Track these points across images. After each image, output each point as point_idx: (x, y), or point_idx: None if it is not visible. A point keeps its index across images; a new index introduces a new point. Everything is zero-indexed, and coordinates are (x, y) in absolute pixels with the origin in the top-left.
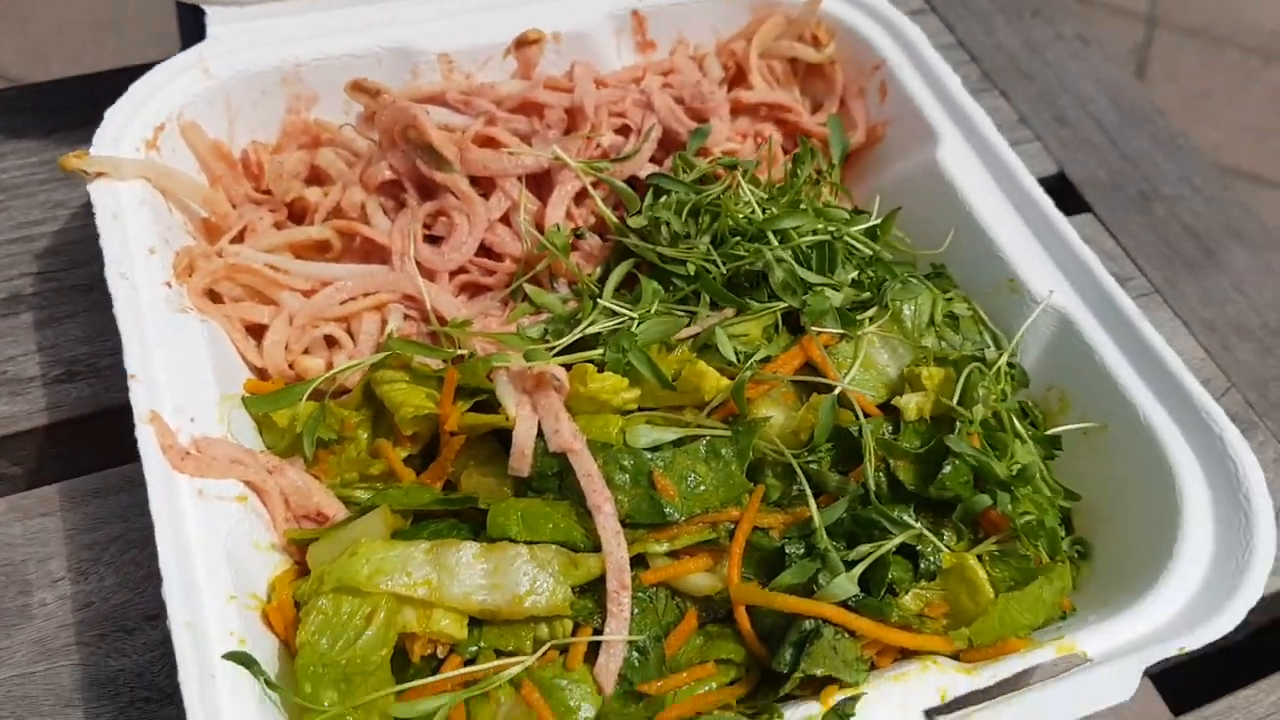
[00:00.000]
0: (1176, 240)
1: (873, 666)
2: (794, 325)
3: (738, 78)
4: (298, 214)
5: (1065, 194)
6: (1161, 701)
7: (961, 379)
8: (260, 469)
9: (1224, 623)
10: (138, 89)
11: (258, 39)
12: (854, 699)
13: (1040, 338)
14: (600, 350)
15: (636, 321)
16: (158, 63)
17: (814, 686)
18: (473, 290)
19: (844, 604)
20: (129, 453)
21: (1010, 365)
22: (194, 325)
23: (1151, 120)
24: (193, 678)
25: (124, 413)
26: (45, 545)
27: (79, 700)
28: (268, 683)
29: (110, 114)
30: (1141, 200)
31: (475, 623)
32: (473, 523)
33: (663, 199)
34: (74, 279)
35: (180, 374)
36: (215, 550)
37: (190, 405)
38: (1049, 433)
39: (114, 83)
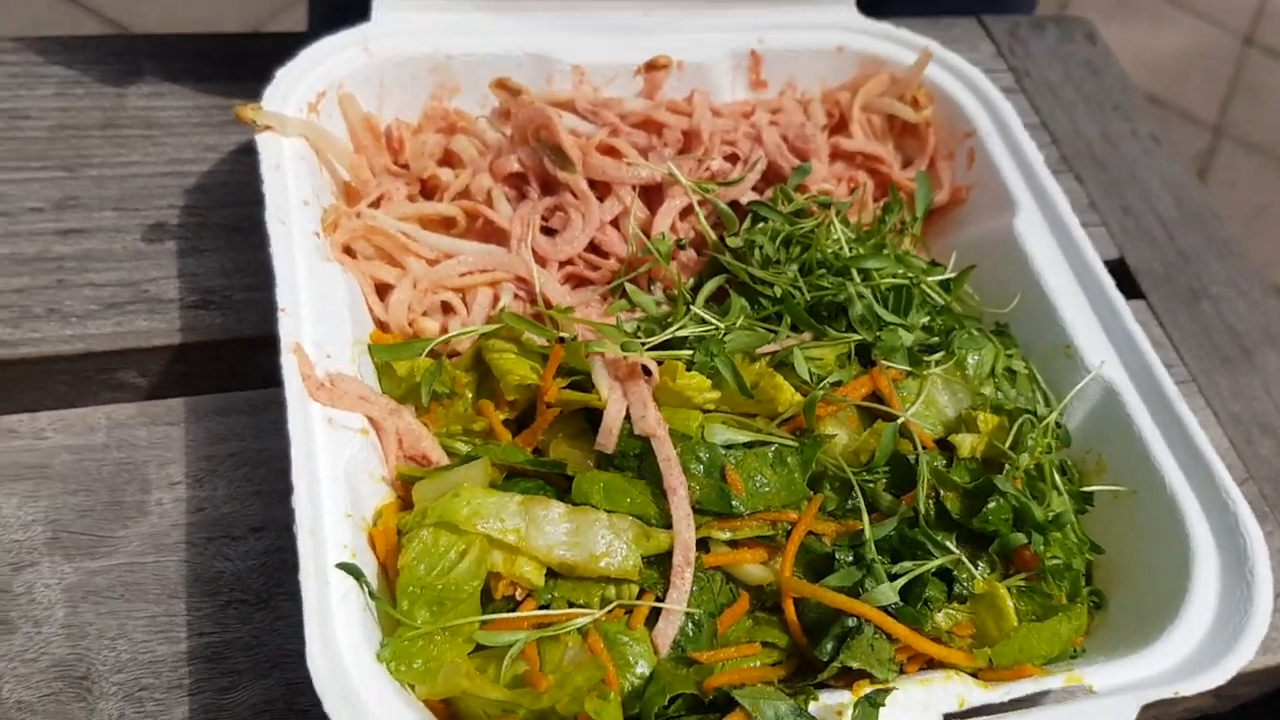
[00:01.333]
0: (1217, 336)
1: (901, 670)
2: (865, 358)
3: (839, 126)
4: (429, 191)
5: (1123, 278)
6: None
7: (1014, 428)
8: (383, 408)
9: (1217, 676)
10: (306, 55)
11: (416, 28)
12: (884, 691)
13: (1086, 402)
14: (690, 352)
15: (724, 331)
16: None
17: (848, 679)
18: (577, 282)
19: (884, 609)
20: (249, 381)
21: (1057, 425)
22: (336, 273)
23: (1208, 223)
24: (310, 577)
25: (250, 344)
26: (168, 451)
27: (182, 593)
28: (371, 594)
29: (281, 74)
30: (1190, 295)
31: (552, 575)
32: (557, 488)
33: (760, 225)
34: (218, 217)
35: (322, 314)
36: (337, 472)
37: (328, 343)
38: (1083, 489)
39: (262, 43)
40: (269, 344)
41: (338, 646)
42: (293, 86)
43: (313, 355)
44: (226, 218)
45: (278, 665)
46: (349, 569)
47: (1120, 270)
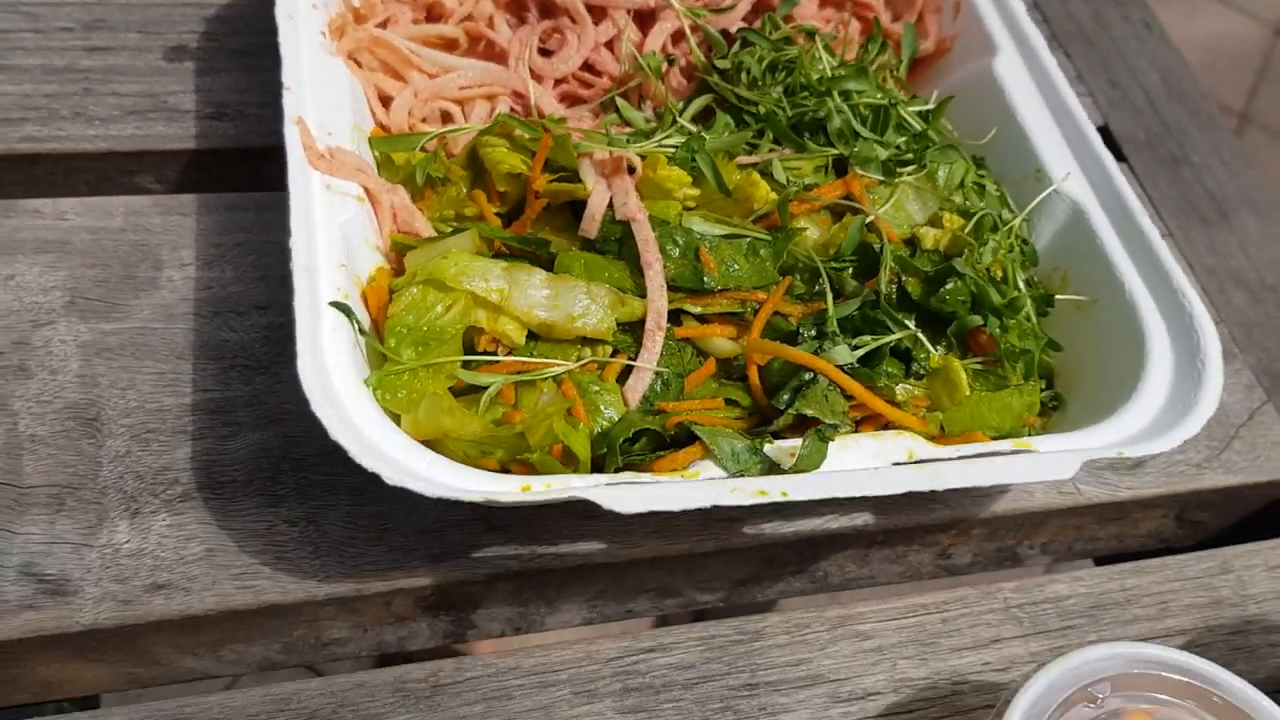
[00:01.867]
0: (1196, 200)
1: (856, 429)
2: (841, 173)
3: None
4: (433, 18)
5: (1106, 144)
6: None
7: (974, 220)
8: (379, 183)
9: (1160, 444)
10: None
11: None
12: (833, 427)
13: (1054, 222)
14: (673, 149)
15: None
16: None
17: (802, 429)
18: (571, 100)
19: (840, 369)
20: (259, 187)
21: (1024, 242)
22: (339, 67)
23: (1194, 100)
24: (304, 310)
25: (261, 154)
26: (180, 237)
27: (188, 355)
28: (360, 330)
29: None
30: (1171, 162)
31: (531, 338)
32: (541, 267)
33: (748, 49)
34: (234, 44)
35: (324, 98)
36: (334, 229)
37: (328, 123)
38: (1044, 293)
39: None
40: (276, 154)
41: (326, 366)
42: None
43: (314, 131)
44: (241, 44)
45: (275, 420)
46: (340, 306)
47: (1105, 137)
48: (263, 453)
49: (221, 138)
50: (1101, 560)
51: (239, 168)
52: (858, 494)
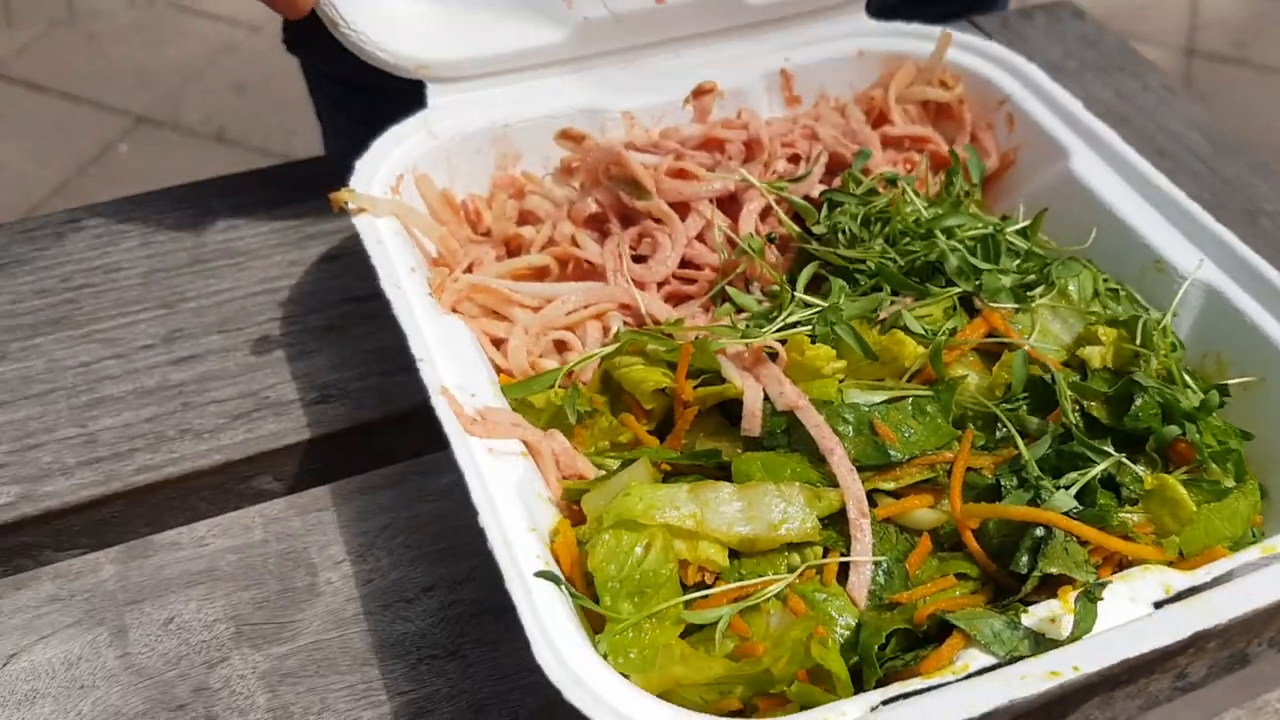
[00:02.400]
0: None
1: (1096, 572)
2: (969, 310)
3: (879, 120)
4: (513, 251)
5: None
6: None
7: (1138, 326)
8: (536, 433)
9: None
10: (378, 146)
11: (471, 105)
12: (1101, 585)
13: (1191, 310)
14: (809, 327)
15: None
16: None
17: (1048, 591)
18: (677, 300)
19: (1065, 515)
20: (381, 461)
21: (1173, 346)
22: (458, 324)
23: (1241, 151)
24: (516, 584)
25: (375, 427)
26: (324, 534)
27: (373, 659)
28: (574, 596)
29: (359, 164)
30: (1247, 216)
31: (734, 556)
32: (716, 480)
33: (837, 210)
34: (316, 321)
35: (455, 360)
36: (509, 492)
37: (469, 384)
38: (1216, 385)
39: (320, 164)
40: (392, 423)
41: (557, 645)
42: (372, 174)
43: (458, 396)
44: (323, 320)
45: (481, 709)
46: (547, 575)
47: None
48: None
49: (333, 420)
50: None
51: (355, 448)
52: (1148, 649)
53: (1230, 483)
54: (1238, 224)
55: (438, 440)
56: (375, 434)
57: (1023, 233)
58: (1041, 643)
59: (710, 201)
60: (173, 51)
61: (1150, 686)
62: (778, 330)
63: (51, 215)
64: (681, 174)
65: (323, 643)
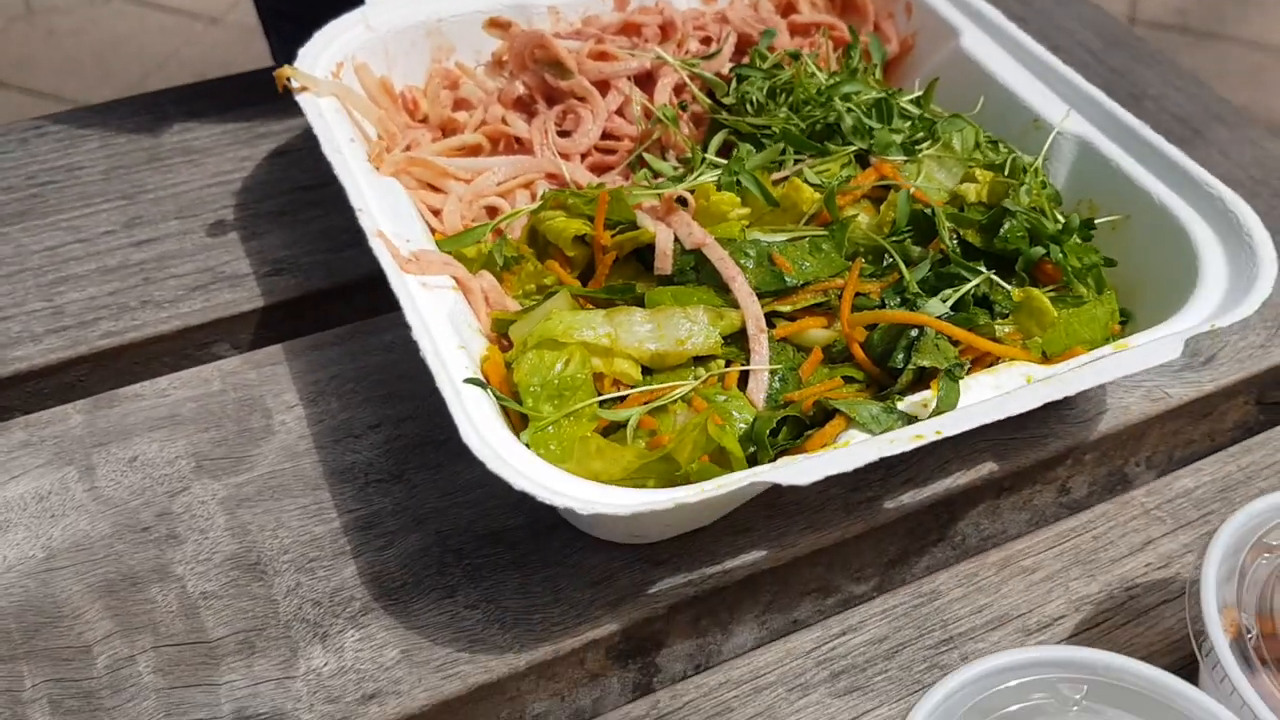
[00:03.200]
0: (1167, 126)
1: (968, 372)
2: (864, 168)
3: (787, 10)
4: (448, 135)
5: None
6: None
7: (1010, 162)
8: (466, 271)
9: (1244, 309)
10: (319, 37)
11: (406, 2)
12: (960, 366)
13: (1065, 161)
14: (716, 175)
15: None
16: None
17: (922, 387)
18: (600, 170)
19: (939, 319)
20: (330, 326)
21: (1044, 183)
22: (395, 184)
23: (1132, 44)
24: (447, 386)
25: (325, 296)
26: (278, 384)
27: (324, 484)
28: (499, 397)
29: (302, 53)
30: (1132, 100)
31: (646, 372)
32: None
33: (745, 82)
34: (268, 207)
35: (391, 212)
36: (441, 318)
37: (403, 233)
38: (1083, 220)
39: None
40: (341, 292)
41: (485, 435)
42: (314, 61)
43: (394, 241)
44: (274, 206)
45: (423, 521)
46: (476, 382)
47: None
48: (422, 552)
49: (284, 290)
50: None
51: (305, 315)
52: (1002, 416)
53: (1092, 295)
54: (1123, 106)
55: (384, 306)
56: (325, 303)
57: (916, 102)
58: (914, 423)
59: (628, 79)
60: (133, 45)
61: (1034, 500)
62: (689, 182)
63: (14, 124)
64: (602, 56)
65: (277, 473)
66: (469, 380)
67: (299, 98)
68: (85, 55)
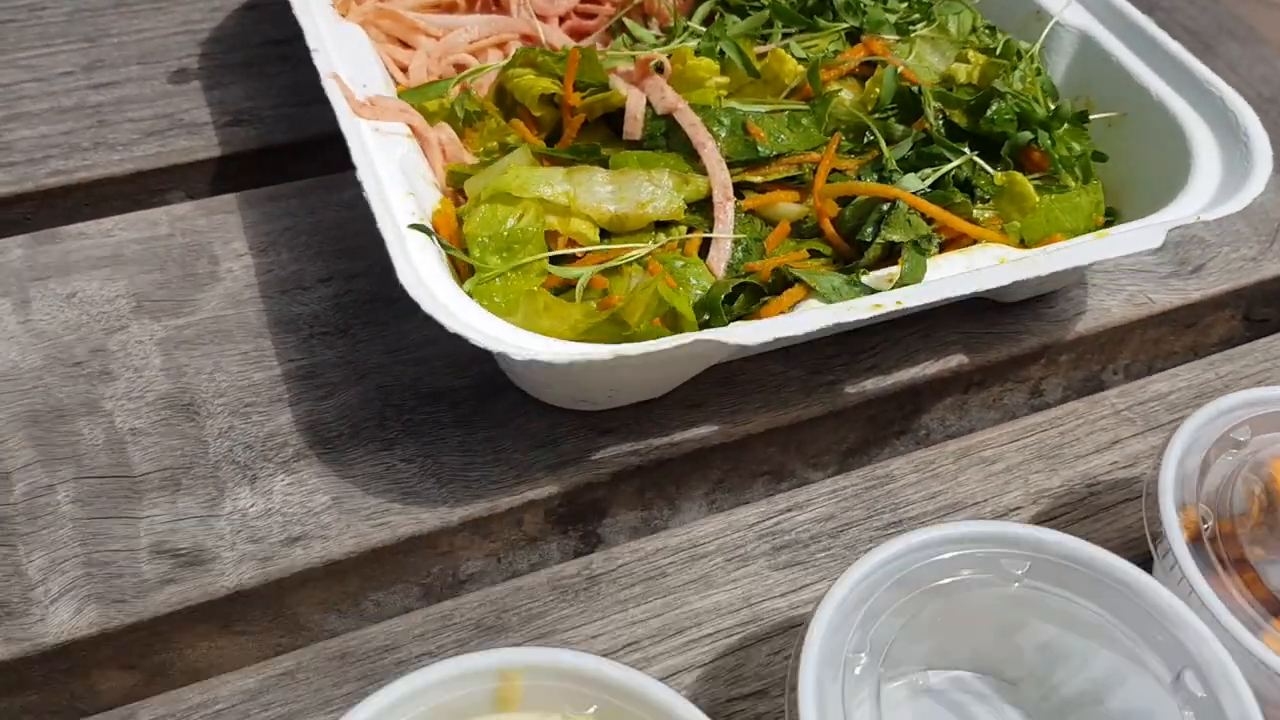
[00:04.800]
0: (1178, 37)
1: (941, 251)
2: (855, 43)
3: None
4: None
5: None
6: None
7: (1000, 45)
8: (424, 121)
9: (1234, 204)
10: None
11: None
12: (928, 238)
13: (1065, 55)
14: (695, 41)
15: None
16: None
17: (892, 263)
18: (578, 35)
19: (914, 196)
20: (292, 177)
21: (1037, 71)
22: (358, 30)
23: None
24: (390, 229)
25: (285, 150)
26: (229, 232)
27: (267, 333)
28: (444, 245)
29: None
30: (1145, 9)
31: (604, 236)
32: None
33: None
34: (235, 59)
35: (350, 57)
36: (393, 164)
37: (360, 78)
38: (1077, 112)
39: None
40: (301, 148)
41: (424, 278)
42: None
43: (350, 85)
44: (240, 58)
45: (366, 375)
46: (421, 228)
47: None
48: (362, 405)
49: (244, 141)
50: None
51: (264, 169)
52: (967, 291)
53: (1079, 184)
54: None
55: (346, 165)
56: (284, 157)
57: None
58: None
59: None
60: None
61: (1005, 398)
62: (668, 46)
63: None
64: None
65: (220, 318)
66: (414, 225)
67: None
68: None
